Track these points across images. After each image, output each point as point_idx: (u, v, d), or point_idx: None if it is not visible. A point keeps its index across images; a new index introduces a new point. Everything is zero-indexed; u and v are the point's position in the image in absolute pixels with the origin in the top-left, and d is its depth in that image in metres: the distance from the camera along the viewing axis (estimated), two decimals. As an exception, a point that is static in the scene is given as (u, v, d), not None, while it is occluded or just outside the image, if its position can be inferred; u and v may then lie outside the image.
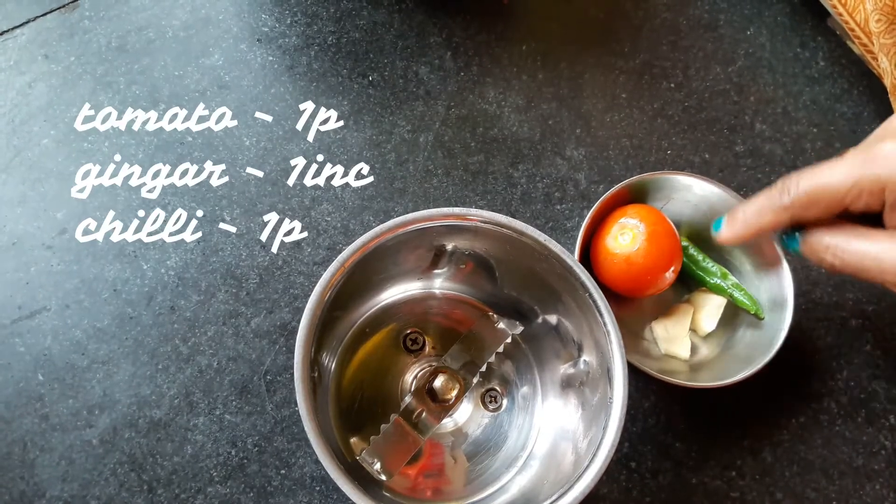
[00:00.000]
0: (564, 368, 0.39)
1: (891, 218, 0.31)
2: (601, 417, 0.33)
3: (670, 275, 0.41)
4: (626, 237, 0.41)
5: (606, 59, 0.54)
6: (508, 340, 0.38)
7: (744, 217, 0.34)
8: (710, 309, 0.43)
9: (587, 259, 0.44)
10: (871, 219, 0.31)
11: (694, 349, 0.43)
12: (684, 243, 0.44)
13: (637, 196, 0.44)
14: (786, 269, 0.41)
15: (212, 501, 0.39)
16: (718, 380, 0.40)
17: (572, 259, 0.35)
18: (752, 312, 0.43)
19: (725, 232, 0.35)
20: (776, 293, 0.42)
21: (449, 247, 0.38)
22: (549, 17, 0.55)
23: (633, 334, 0.44)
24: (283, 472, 0.40)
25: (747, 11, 0.57)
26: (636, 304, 0.45)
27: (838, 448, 0.43)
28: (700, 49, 0.55)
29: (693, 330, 0.44)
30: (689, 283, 0.45)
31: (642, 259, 0.40)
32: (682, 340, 0.42)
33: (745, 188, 0.50)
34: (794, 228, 0.33)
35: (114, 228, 0.45)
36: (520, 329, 0.39)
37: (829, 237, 0.31)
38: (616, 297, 0.43)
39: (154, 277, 0.44)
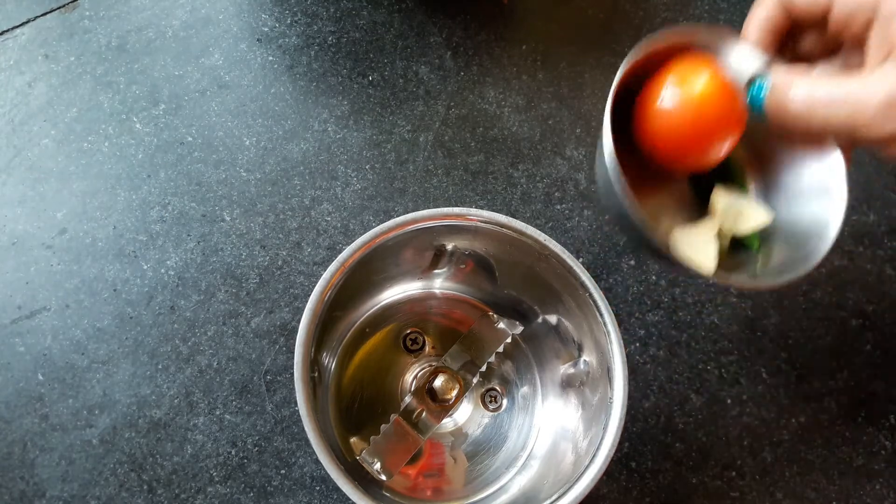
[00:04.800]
0: (564, 368, 0.39)
1: (876, 41, 0.26)
2: (601, 417, 0.33)
3: (732, 142, 0.33)
4: (696, 83, 0.32)
5: (606, 59, 0.54)
6: (508, 340, 0.38)
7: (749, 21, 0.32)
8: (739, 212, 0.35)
9: (627, 111, 0.34)
10: None
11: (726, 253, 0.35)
12: None
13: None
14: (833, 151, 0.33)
15: (212, 501, 0.39)
16: (759, 278, 0.33)
17: (572, 259, 0.35)
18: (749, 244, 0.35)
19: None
20: (819, 178, 0.34)
21: (449, 247, 0.38)
22: (549, 18, 0.55)
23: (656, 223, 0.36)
24: (283, 472, 0.40)
25: (747, 10, 0.56)
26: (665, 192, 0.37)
27: (838, 448, 0.43)
28: (700, 49, 0.55)
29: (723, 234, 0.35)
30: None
31: (711, 109, 0.31)
32: (705, 247, 0.34)
33: (746, 188, 0.50)
34: (760, 78, 0.29)
35: (114, 228, 0.45)
36: (520, 329, 0.39)
37: (798, 81, 0.27)
38: (641, 174, 0.34)
39: (154, 277, 0.44)
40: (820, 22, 0.29)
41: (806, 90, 0.26)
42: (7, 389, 0.41)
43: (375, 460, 0.34)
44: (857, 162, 0.50)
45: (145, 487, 0.39)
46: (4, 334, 0.42)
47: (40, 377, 0.41)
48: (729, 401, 0.43)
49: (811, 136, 0.30)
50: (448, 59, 0.52)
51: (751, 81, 0.30)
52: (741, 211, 0.35)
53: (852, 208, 0.48)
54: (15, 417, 0.40)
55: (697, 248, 0.34)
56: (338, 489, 0.33)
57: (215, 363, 0.42)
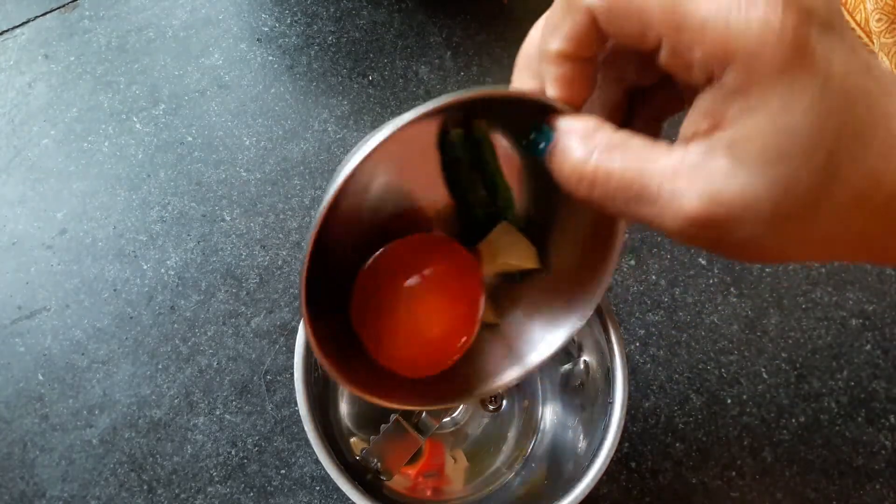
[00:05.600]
0: (564, 368, 0.39)
1: (704, 105, 0.16)
2: (601, 417, 0.33)
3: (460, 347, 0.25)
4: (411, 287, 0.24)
5: (606, 59, 0.54)
6: (508, 340, 0.38)
7: (525, 56, 0.20)
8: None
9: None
10: None
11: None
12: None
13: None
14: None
15: (212, 501, 0.39)
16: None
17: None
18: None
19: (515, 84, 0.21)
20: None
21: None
22: (549, 17, 0.55)
23: None
24: (283, 472, 0.40)
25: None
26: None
27: (838, 448, 0.43)
28: (700, 49, 0.55)
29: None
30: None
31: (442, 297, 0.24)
32: None
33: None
34: (543, 128, 0.19)
35: (114, 228, 0.45)
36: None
37: (583, 149, 0.17)
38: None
39: (154, 277, 0.44)
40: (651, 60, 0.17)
41: (595, 161, 0.17)
42: (7, 389, 0.41)
43: (375, 460, 0.34)
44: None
45: (145, 487, 0.39)
46: (4, 334, 0.42)
47: (40, 377, 0.41)
48: (729, 401, 0.43)
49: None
50: (448, 59, 0.52)
51: (532, 127, 0.20)
52: (507, 246, 0.25)
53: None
54: (15, 417, 0.40)
55: None
56: (338, 489, 0.33)
57: (215, 363, 0.42)
